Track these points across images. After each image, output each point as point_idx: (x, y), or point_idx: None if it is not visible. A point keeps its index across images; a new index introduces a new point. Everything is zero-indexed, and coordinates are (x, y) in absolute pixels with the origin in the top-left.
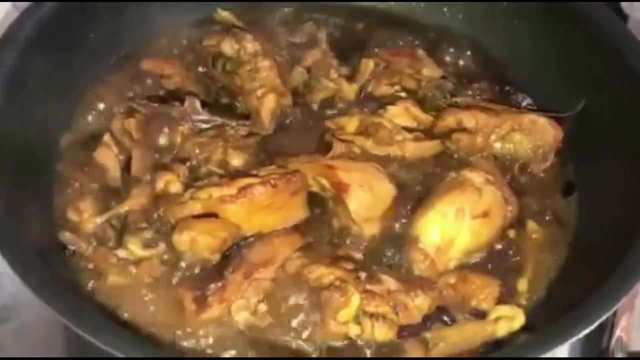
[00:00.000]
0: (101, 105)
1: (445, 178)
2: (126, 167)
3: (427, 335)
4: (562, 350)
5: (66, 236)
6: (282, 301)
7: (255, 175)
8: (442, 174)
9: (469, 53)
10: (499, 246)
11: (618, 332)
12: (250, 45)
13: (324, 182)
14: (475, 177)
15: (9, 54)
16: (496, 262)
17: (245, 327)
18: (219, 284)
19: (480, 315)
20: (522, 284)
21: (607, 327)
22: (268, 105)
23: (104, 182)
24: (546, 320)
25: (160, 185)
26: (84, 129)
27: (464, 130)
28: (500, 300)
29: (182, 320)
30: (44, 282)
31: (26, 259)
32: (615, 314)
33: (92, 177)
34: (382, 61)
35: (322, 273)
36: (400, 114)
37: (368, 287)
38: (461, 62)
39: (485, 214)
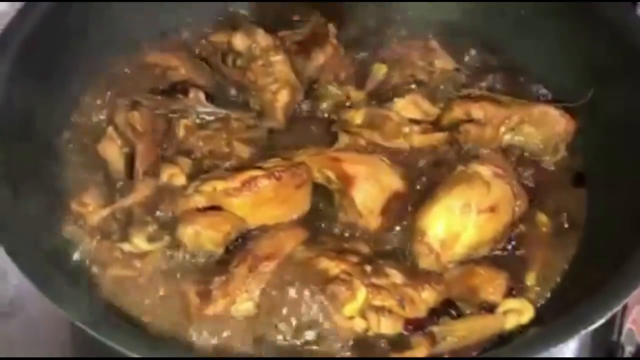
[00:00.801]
0: (105, 98)
1: (453, 171)
2: (130, 160)
3: (435, 329)
4: (572, 343)
5: (70, 230)
6: (286, 294)
7: (260, 168)
8: (451, 167)
9: (481, 45)
10: (508, 239)
11: (628, 325)
12: (262, 39)
13: (330, 174)
14: (484, 170)
15: (10, 46)
16: (505, 255)
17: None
18: (223, 278)
19: (488, 308)
20: (531, 278)
21: (617, 320)
22: (282, 100)
23: (108, 175)
24: (555, 314)
25: (164, 178)
26: (87, 121)
27: (472, 121)
28: (509, 294)
29: (187, 314)
30: (48, 278)
31: (30, 254)
32: (625, 306)
33: (96, 171)
34: (395, 55)
35: (328, 266)
36: (408, 107)
37: (374, 280)
38: (474, 54)
39: (492, 209)
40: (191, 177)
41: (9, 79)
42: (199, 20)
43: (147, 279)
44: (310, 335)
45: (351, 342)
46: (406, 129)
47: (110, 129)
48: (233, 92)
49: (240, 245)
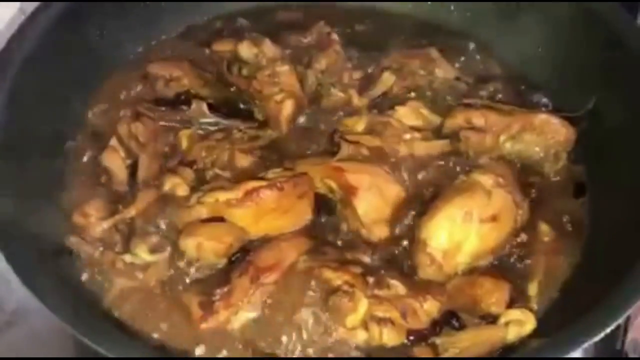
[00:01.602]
0: (108, 109)
1: (455, 180)
2: (133, 171)
3: (437, 340)
4: (575, 352)
5: (72, 241)
6: (288, 305)
7: (262, 179)
8: (453, 176)
9: (482, 53)
10: (509, 249)
11: (632, 334)
12: (269, 49)
13: (332, 184)
14: (486, 179)
15: (15, 57)
16: (507, 265)
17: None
18: (225, 289)
19: (490, 319)
20: (533, 288)
21: (621, 329)
22: (286, 110)
23: (111, 186)
24: (558, 325)
25: (166, 189)
26: (90, 132)
27: (472, 128)
28: (511, 304)
29: (189, 326)
30: (50, 289)
31: (32, 265)
32: (628, 315)
33: (99, 181)
34: (396, 63)
35: (330, 277)
36: (409, 115)
37: (376, 291)
38: (474, 63)
39: (494, 218)
40: (194, 188)
41: (11, 92)
42: (201, 28)
43: (149, 290)
44: (311, 346)
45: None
46: (407, 136)
47: (113, 140)
48: (236, 102)
49: (242, 256)
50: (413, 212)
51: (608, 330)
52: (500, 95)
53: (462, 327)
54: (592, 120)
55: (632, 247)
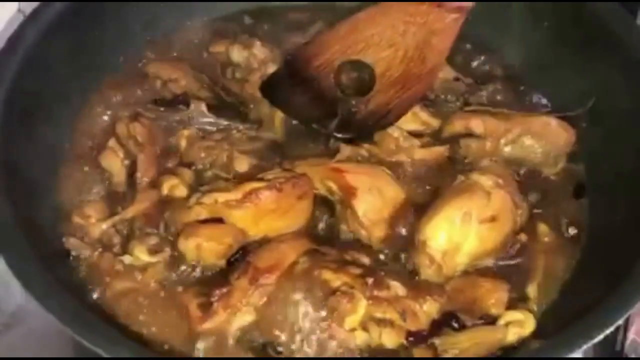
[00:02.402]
0: (107, 109)
1: (454, 181)
2: (131, 171)
3: (436, 341)
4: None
5: (71, 242)
6: (287, 306)
7: (261, 180)
8: (452, 177)
9: (481, 54)
10: (509, 250)
11: (632, 335)
12: (259, 51)
13: (332, 185)
14: (485, 180)
15: (14, 58)
16: (506, 266)
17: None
18: (224, 290)
19: (490, 320)
20: (533, 289)
21: (621, 330)
22: (279, 114)
23: (110, 186)
24: (557, 326)
25: (165, 190)
26: (89, 133)
27: (472, 136)
28: (511, 306)
29: (188, 327)
30: (48, 291)
31: (30, 266)
32: (628, 316)
33: (98, 182)
34: None
35: (329, 278)
36: (408, 118)
37: (376, 292)
38: (474, 64)
39: (493, 219)
40: (193, 189)
41: (10, 93)
42: (200, 28)
43: (148, 291)
44: (310, 347)
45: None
46: (406, 144)
47: (112, 141)
48: (234, 103)
49: (241, 257)
50: (412, 213)
51: (608, 331)
52: (499, 96)
53: (461, 328)
54: (592, 121)
55: (631, 249)
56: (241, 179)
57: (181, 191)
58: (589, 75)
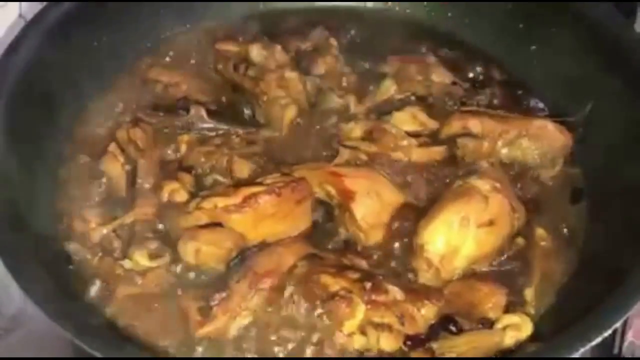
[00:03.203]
0: (107, 114)
1: (451, 185)
2: (132, 176)
3: (434, 345)
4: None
5: (72, 247)
6: (285, 310)
7: (260, 184)
8: (450, 181)
9: (478, 58)
10: (506, 254)
11: (630, 337)
12: (280, 55)
13: (330, 189)
14: (482, 184)
15: (16, 62)
16: (504, 270)
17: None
18: (224, 294)
19: (487, 324)
20: (530, 293)
21: (619, 333)
22: (289, 116)
23: (110, 191)
24: (554, 330)
25: (165, 194)
26: (89, 138)
27: (469, 135)
28: (508, 309)
29: (188, 331)
30: (48, 295)
31: (30, 271)
32: (626, 319)
33: (98, 187)
34: (393, 68)
35: (328, 282)
36: (407, 120)
37: (374, 297)
38: (471, 68)
39: (491, 223)
40: (192, 194)
41: (12, 97)
42: (202, 32)
43: (148, 295)
44: (308, 351)
45: None
46: (404, 142)
47: (112, 146)
48: (235, 107)
49: (240, 262)
50: (411, 217)
51: (605, 334)
52: (496, 101)
53: (459, 331)
54: (589, 126)
55: (628, 252)
56: (240, 183)
57: (181, 196)
58: (586, 81)
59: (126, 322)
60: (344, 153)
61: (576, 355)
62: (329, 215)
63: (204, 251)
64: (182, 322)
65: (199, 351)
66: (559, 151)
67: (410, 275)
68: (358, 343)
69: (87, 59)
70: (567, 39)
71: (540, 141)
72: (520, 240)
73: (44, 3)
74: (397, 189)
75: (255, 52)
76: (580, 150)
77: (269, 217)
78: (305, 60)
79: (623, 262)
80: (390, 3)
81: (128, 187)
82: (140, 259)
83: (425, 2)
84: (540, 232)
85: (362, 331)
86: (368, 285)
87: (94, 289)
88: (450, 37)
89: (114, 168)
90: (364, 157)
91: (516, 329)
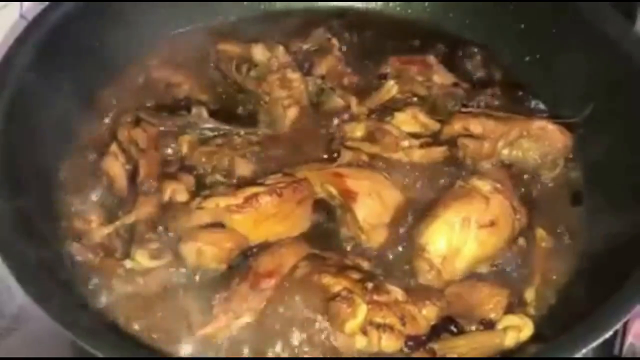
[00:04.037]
0: (108, 114)
1: (453, 186)
2: (133, 176)
3: (435, 345)
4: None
5: (73, 247)
6: (287, 311)
7: (262, 184)
8: (451, 182)
9: (480, 59)
10: (507, 255)
11: (630, 339)
12: (282, 57)
13: (332, 190)
14: (483, 185)
15: (17, 63)
16: (505, 271)
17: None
18: (225, 295)
19: (488, 325)
20: (531, 294)
21: (619, 334)
22: (291, 116)
23: (111, 191)
24: (555, 331)
25: (166, 195)
26: (90, 138)
27: (470, 136)
28: (509, 310)
29: (189, 332)
30: (50, 295)
31: (31, 271)
32: (627, 320)
33: (99, 187)
34: (394, 69)
35: (329, 283)
36: (408, 121)
37: (375, 297)
38: (472, 68)
39: (492, 224)
40: (194, 194)
41: (13, 97)
42: (203, 32)
43: (149, 295)
44: (309, 351)
45: None
46: (405, 143)
47: (113, 146)
48: (236, 107)
49: (242, 262)
50: (412, 218)
51: (606, 335)
52: (497, 102)
53: (460, 332)
54: (590, 128)
55: (629, 254)
56: (242, 183)
57: (182, 196)
58: (587, 82)
59: (127, 322)
60: (346, 154)
61: (577, 356)
62: (331, 216)
63: (205, 251)
64: (183, 322)
65: (199, 351)
66: (559, 152)
67: (412, 276)
68: (359, 343)
69: (88, 59)
70: (568, 40)
71: (540, 142)
72: (521, 241)
73: (45, 3)
74: (398, 189)
75: (259, 52)
76: (580, 152)
77: (270, 218)
78: (307, 61)
79: (623, 264)
80: (391, 3)
81: (129, 187)
82: (142, 259)
83: (426, 3)
84: (541, 233)
85: (364, 332)
86: (370, 285)
87: (95, 289)
88: (452, 37)
89: (115, 168)
90: (365, 158)
91: (517, 329)
